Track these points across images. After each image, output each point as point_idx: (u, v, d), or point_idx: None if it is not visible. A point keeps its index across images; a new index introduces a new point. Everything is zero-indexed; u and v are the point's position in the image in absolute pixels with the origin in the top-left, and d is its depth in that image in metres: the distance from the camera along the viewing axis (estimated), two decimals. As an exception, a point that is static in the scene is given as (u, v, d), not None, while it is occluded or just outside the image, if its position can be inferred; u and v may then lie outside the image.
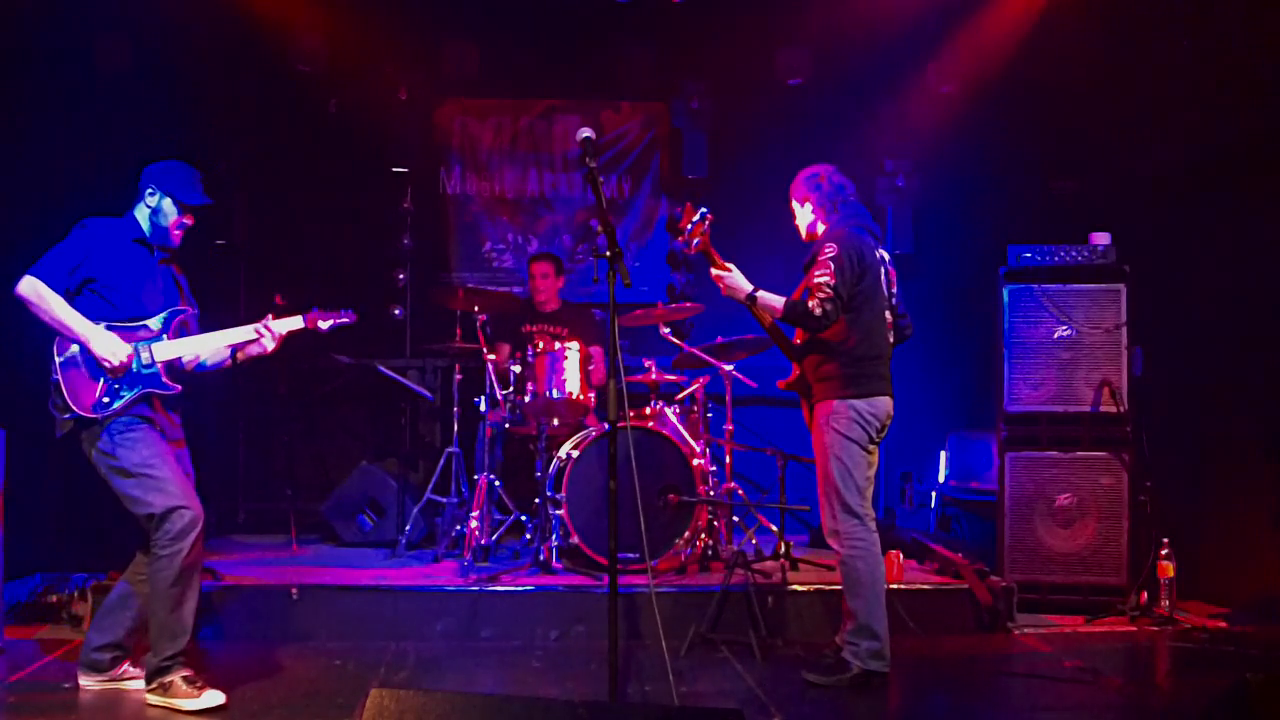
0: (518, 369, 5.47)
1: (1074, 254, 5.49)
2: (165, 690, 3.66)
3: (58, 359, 3.68)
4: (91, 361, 3.67)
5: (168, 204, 3.82)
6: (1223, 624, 5.17)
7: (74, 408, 3.65)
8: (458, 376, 6.02)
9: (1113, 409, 5.35)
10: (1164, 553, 5.16)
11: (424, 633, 4.73)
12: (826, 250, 4.02)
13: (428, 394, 6.67)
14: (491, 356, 5.70)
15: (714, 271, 4.13)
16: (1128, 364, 5.39)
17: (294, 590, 4.77)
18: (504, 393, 5.58)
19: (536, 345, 5.46)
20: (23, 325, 5.22)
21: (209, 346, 3.92)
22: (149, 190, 3.84)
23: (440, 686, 4.08)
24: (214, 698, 3.65)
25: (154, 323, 3.80)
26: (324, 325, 4.04)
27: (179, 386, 3.80)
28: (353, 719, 3.59)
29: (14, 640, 4.58)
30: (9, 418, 4.51)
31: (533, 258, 6.58)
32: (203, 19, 6.03)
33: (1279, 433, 5.30)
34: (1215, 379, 5.63)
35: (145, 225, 3.85)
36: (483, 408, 5.65)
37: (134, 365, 3.71)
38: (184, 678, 3.67)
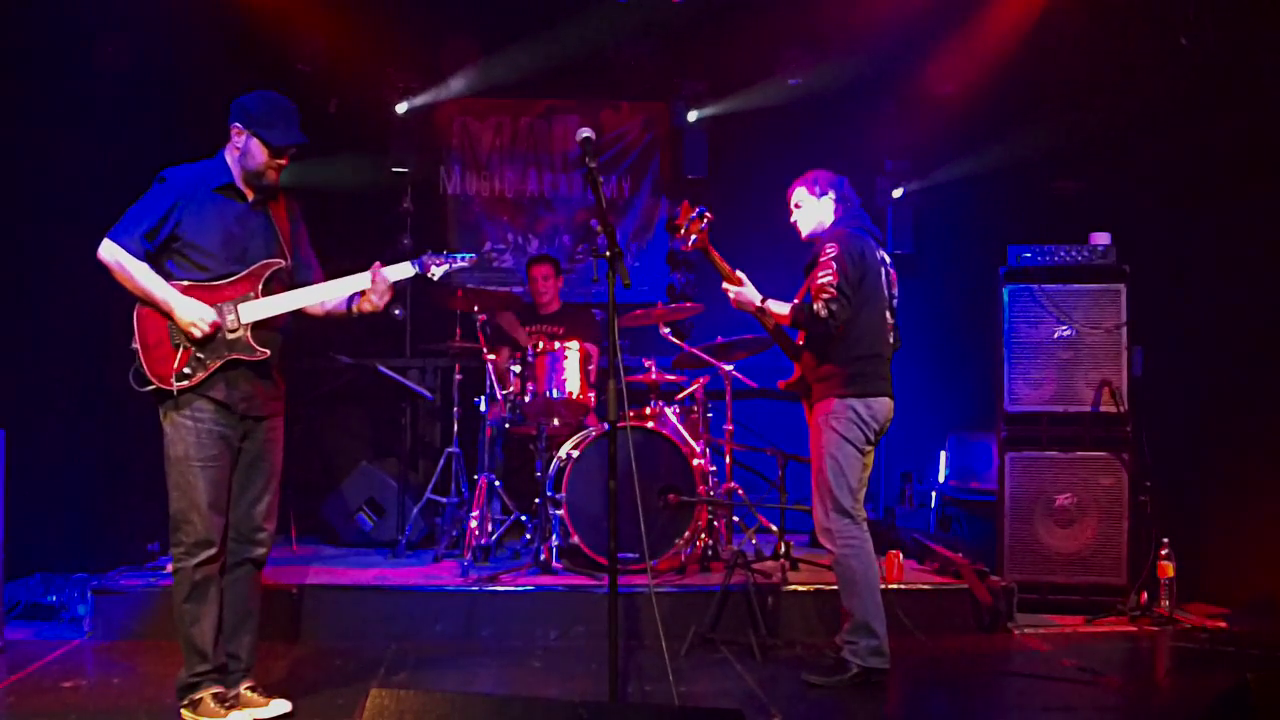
0: (518, 369, 5.47)
1: (1074, 254, 5.49)
2: (195, 708, 3.48)
3: (137, 326, 3.41)
4: (171, 328, 3.39)
5: (255, 145, 3.46)
6: (1223, 624, 5.17)
7: (152, 380, 3.38)
8: (458, 376, 6.02)
9: (1113, 409, 5.35)
10: (1164, 553, 5.16)
11: (424, 633, 4.73)
12: (827, 250, 4.03)
13: (428, 394, 6.67)
14: (491, 356, 5.70)
15: (725, 285, 4.16)
16: (1128, 364, 5.39)
17: (294, 590, 4.77)
18: (504, 393, 5.58)
19: (536, 346, 5.46)
20: (22, 324, 5.25)
21: (304, 302, 3.54)
22: (235, 129, 3.47)
23: (440, 686, 4.08)
24: (241, 718, 3.50)
25: (240, 280, 3.46)
26: (438, 272, 3.62)
27: (267, 351, 3.47)
28: (353, 719, 3.59)
29: (14, 640, 4.58)
30: (9, 418, 4.51)
31: (531, 260, 6.58)
32: (203, 19, 6.03)
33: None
34: (1215, 379, 5.63)
35: (234, 168, 3.50)
36: (483, 408, 5.65)
37: (218, 331, 3.41)
38: (214, 695, 3.48)
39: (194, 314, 3.38)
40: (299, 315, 3.68)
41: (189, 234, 3.44)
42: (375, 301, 3.61)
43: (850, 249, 4.03)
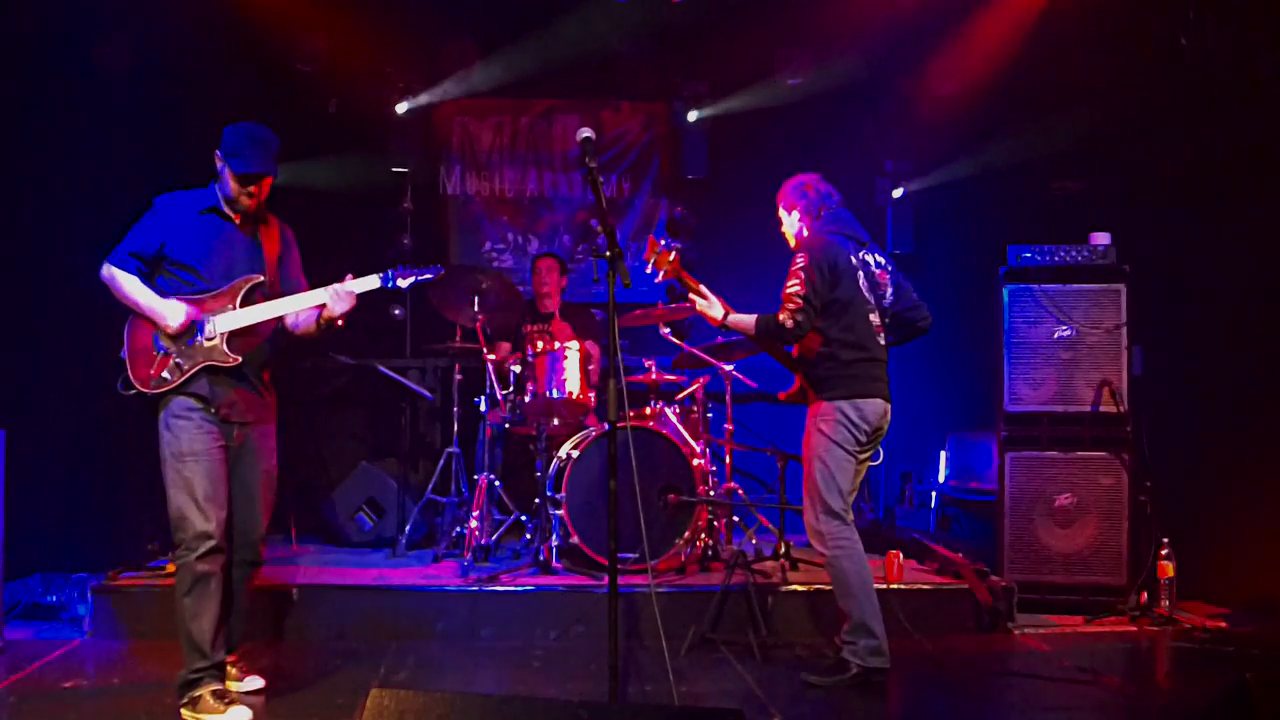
0: (518, 369, 5.47)
1: (1074, 254, 5.49)
2: (194, 705, 3.54)
3: (126, 336, 3.67)
4: (155, 337, 3.62)
5: (227, 173, 3.66)
6: (1223, 624, 5.17)
7: (135, 384, 3.62)
8: (458, 376, 6.02)
9: (1113, 409, 5.35)
10: (1164, 553, 5.16)
11: (424, 633, 4.74)
12: (797, 260, 4.08)
13: (428, 394, 6.67)
14: (492, 356, 5.70)
15: (690, 296, 4.16)
16: (1128, 364, 5.39)
17: (294, 590, 4.77)
18: (504, 393, 5.58)
19: (536, 345, 5.46)
20: (22, 324, 5.25)
21: (276, 312, 3.73)
22: (217, 156, 3.68)
23: (440, 686, 4.08)
24: (240, 714, 3.54)
25: (221, 294, 3.67)
26: (404, 284, 3.78)
27: (238, 358, 3.64)
28: (353, 719, 3.59)
29: (14, 640, 4.58)
30: (9, 418, 4.51)
31: (538, 255, 6.59)
32: (203, 19, 6.03)
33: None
34: (1215, 379, 5.63)
35: (219, 192, 3.73)
36: (483, 408, 5.65)
37: (195, 338, 3.62)
38: (213, 692, 3.55)
39: (168, 313, 3.61)
40: (285, 333, 3.90)
41: (176, 254, 3.68)
42: (334, 310, 3.73)
43: (820, 258, 4.05)
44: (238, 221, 3.75)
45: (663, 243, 4.06)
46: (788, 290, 4.01)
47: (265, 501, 3.84)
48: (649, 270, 4.08)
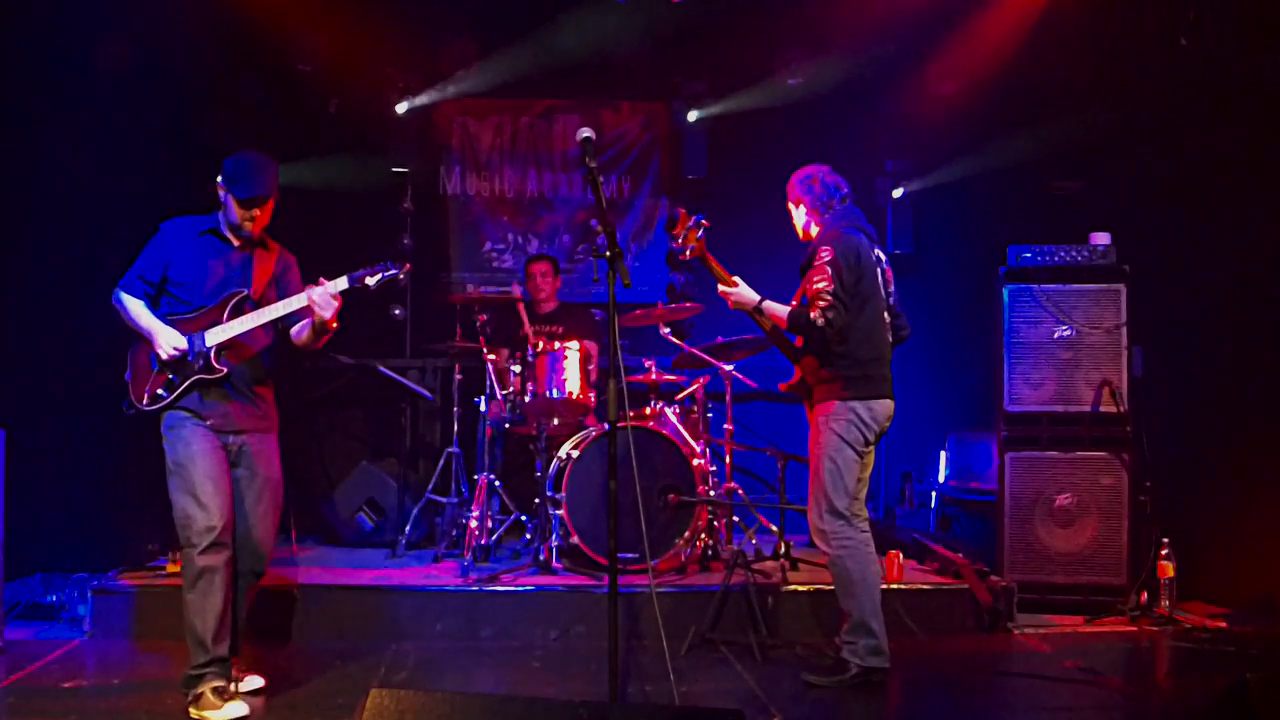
0: (518, 369, 5.47)
1: (1074, 254, 5.49)
2: (196, 702, 3.61)
3: (129, 359, 3.84)
4: (153, 356, 3.78)
5: (230, 200, 3.82)
6: (1223, 624, 5.17)
7: (136, 404, 3.79)
8: (458, 376, 6.02)
9: (1113, 409, 5.35)
10: (1164, 553, 5.16)
11: (424, 633, 4.74)
12: (822, 254, 4.01)
13: (428, 394, 6.67)
14: (491, 357, 5.70)
15: (721, 288, 4.18)
16: (1128, 364, 5.39)
17: (294, 590, 4.77)
18: (504, 393, 5.58)
19: (536, 345, 5.46)
20: (22, 324, 5.25)
21: (259, 320, 3.84)
22: (219, 186, 3.84)
23: (440, 686, 4.08)
24: (236, 709, 3.60)
25: (210, 311, 3.82)
26: (371, 281, 3.87)
27: (224, 369, 3.78)
28: (353, 719, 3.59)
29: (14, 640, 4.58)
30: (9, 418, 4.51)
31: (530, 259, 6.61)
32: (203, 19, 6.03)
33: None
34: (1215, 379, 5.63)
35: (221, 218, 3.90)
36: (483, 408, 5.65)
37: (188, 355, 3.76)
38: (214, 689, 3.61)
39: (164, 339, 3.77)
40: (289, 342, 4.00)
41: (177, 274, 3.85)
42: (323, 314, 3.77)
43: (845, 252, 4.01)
44: (236, 244, 3.90)
45: (694, 218, 4.07)
46: (815, 286, 3.94)
47: (270, 510, 3.93)
48: (678, 244, 4.09)
